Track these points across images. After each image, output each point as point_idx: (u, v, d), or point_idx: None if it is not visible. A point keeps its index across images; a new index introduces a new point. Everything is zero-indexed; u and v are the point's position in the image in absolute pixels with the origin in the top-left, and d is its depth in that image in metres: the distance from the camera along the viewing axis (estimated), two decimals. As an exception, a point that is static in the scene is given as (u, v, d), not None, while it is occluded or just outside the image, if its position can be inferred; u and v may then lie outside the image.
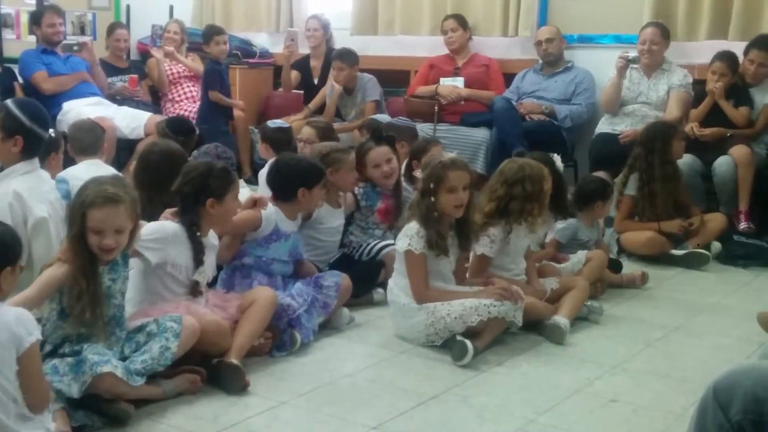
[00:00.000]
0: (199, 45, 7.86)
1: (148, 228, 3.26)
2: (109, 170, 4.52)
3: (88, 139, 4.63)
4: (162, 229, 3.31)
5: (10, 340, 2.38)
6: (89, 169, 4.20)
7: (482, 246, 3.94)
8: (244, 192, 3.96)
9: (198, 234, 3.38)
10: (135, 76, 7.40)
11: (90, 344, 2.90)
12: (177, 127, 5.00)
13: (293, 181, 3.92)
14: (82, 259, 2.91)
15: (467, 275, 3.94)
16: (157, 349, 3.00)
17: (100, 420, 2.83)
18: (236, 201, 3.52)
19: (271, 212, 3.84)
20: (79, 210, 2.92)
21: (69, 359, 2.87)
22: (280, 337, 3.54)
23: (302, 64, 7.36)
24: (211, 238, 3.51)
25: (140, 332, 3.08)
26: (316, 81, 7.29)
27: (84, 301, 2.89)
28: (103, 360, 2.84)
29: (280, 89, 7.65)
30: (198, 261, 3.37)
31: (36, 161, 3.85)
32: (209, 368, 3.20)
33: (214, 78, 6.99)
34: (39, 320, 2.78)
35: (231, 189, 3.44)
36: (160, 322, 3.07)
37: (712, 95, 5.89)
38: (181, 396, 3.08)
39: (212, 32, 7.09)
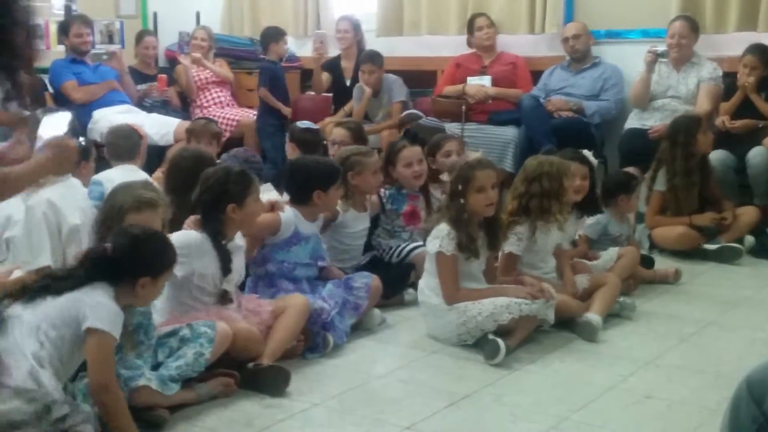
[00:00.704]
0: (226, 50, 7.93)
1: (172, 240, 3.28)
2: (144, 176, 4.58)
3: (126, 144, 4.71)
4: (186, 241, 3.29)
5: (73, 314, 2.60)
6: (124, 174, 4.25)
7: (509, 244, 3.94)
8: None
9: (223, 242, 3.37)
10: (164, 75, 7.45)
11: (121, 357, 2.90)
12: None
13: (308, 183, 3.90)
14: None
15: (497, 274, 3.94)
16: (192, 355, 3.02)
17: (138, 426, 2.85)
18: (258, 203, 3.51)
19: (290, 215, 3.83)
20: (118, 214, 2.95)
21: None
22: (312, 340, 3.55)
23: (333, 66, 7.37)
24: (237, 240, 3.52)
25: (173, 337, 3.10)
26: (348, 82, 7.29)
27: None
28: (137, 374, 2.88)
29: (309, 92, 7.66)
30: (226, 270, 3.37)
31: None
32: (244, 373, 3.22)
33: (265, 76, 7.08)
34: None
35: (251, 192, 3.42)
36: (194, 327, 3.09)
37: (743, 89, 5.82)
38: (215, 399, 3.10)
39: (274, 32, 7.21)
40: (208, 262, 3.34)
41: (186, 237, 3.33)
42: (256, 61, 7.80)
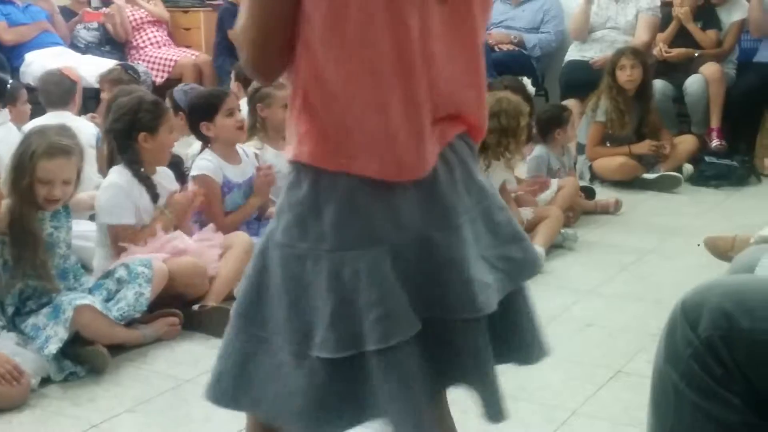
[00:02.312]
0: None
1: (105, 194, 3.24)
2: (79, 121, 4.48)
3: (58, 91, 4.60)
4: (116, 187, 3.28)
5: None
6: (57, 121, 4.14)
7: None
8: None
9: (142, 170, 3.35)
10: (90, 10, 7.26)
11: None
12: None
13: (194, 117, 3.85)
14: (26, 207, 2.90)
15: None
16: (132, 295, 3.00)
17: (83, 368, 2.84)
18: (171, 134, 3.45)
19: (209, 164, 3.74)
20: (30, 160, 2.89)
21: (44, 310, 2.87)
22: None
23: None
24: (163, 173, 3.49)
25: (109, 278, 3.09)
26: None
27: (29, 248, 2.88)
28: (79, 296, 2.88)
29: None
30: (154, 196, 3.35)
31: (6, 112, 3.81)
32: (188, 314, 3.21)
33: (228, 16, 6.90)
34: None
35: (163, 121, 3.37)
36: (130, 267, 3.07)
37: (677, 19, 5.86)
38: (161, 341, 3.09)
39: None
40: (137, 194, 3.31)
41: (111, 184, 3.31)
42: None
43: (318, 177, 1.44)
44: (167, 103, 4.30)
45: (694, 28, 5.83)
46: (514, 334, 1.60)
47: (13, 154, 2.97)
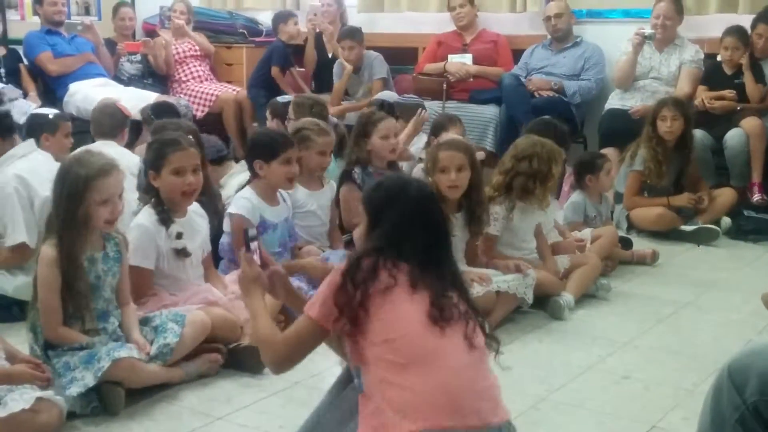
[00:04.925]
0: (204, 24, 7.83)
1: (131, 233, 3.25)
2: (125, 153, 4.54)
3: (110, 122, 4.70)
4: (141, 228, 3.31)
5: None
6: (103, 150, 4.21)
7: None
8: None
9: (163, 211, 3.35)
10: (132, 42, 7.40)
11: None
12: (161, 112, 5.03)
13: (251, 152, 3.87)
14: (78, 247, 2.91)
15: (479, 256, 3.94)
16: (155, 348, 3.01)
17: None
18: (175, 176, 3.35)
19: (248, 204, 3.76)
20: (84, 184, 2.89)
21: (81, 353, 2.88)
22: (292, 319, 3.52)
23: (315, 41, 7.32)
24: (194, 215, 3.50)
25: (147, 325, 3.10)
26: (330, 55, 7.23)
27: (74, 293, 2.91)
28: (118, 347, 2.88)
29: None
30: (165, 223, 3.34)
31: (32, 143, 3.87)
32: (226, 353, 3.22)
33: (279, 55, 7.08)
34: None
35: (167, 163, 3.33)
36: (163, 320, 3.09)
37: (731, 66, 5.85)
38: (200, 378, 3.10)
39: (284, 14, 7.33)
40: (162, 237, 3.34)
41: (138, 225, 3.33)
42: (235, 35, 7.74)
43: None
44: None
45: (749, 78, 5.79)
46: None
47: (56, 189, 2.96)
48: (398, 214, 2.17)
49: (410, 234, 2.15)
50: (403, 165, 4.82)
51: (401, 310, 2.07)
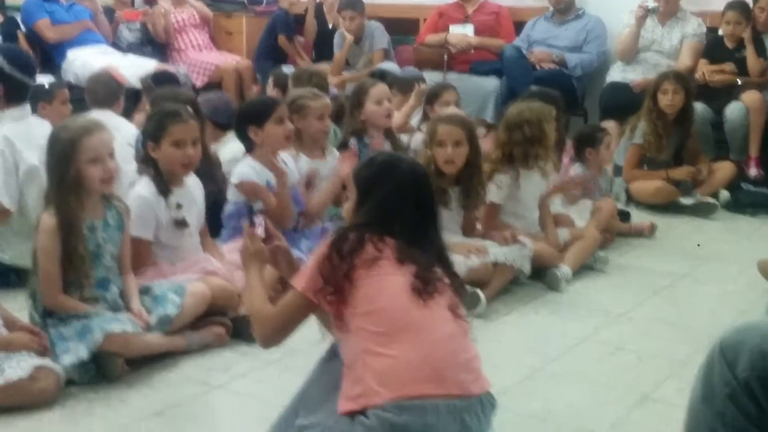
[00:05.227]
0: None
1: (131, 203, 3.24)
2: (121, 122, 4.53)
3: (104, 91, 4.68)
4: (140, 198, 3.30)
5: None
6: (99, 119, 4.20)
7: (490, 194, 3.94)
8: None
9: (153, 172, 3.35)
10: (131, 10, 7.37)
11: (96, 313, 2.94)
12: (162, 81, 5.01)
13: (243, 121, 3.85)
14: (75, 215, 2.91)
15: (480, 226, 3.95)
16: (155, 318, 3.03)
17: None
18: (175, 148, 3.35)
19: (247, 170, 3.76)
20: (71, 147, 2.88)
21: (76, 323, 2.89)
22: (291, 290, 3.55)
23: (316, 12, 7.28)
24: (191, 186, 3.49)
25: (147, 294, 3.12)
26: (330, 26, 7.20)
27: (74, 262, 2.91)
28: (112, 319, 2.89)
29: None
30: (163, 191, 3.34)
31: (27, 108, 3.86)
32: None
33: (283, 23, 7.08)
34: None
35: (166, 134, 3.33)
36: (164, 290, 3.10)
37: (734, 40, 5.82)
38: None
39: None
40: (161, 207, 3.34)
41: (138, 196, 3.32)
42: (234, 3, 7.70)
43: None
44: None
45: (751, 51, 5.77)
46: None
47: (48, 160, 2.97)
48: (388, 191, 2.20)
49: (399, 211, 2.19)
50: (406, 138, 4.81)
51: (385, 281, 2.10)
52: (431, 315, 2.09)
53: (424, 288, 2.10)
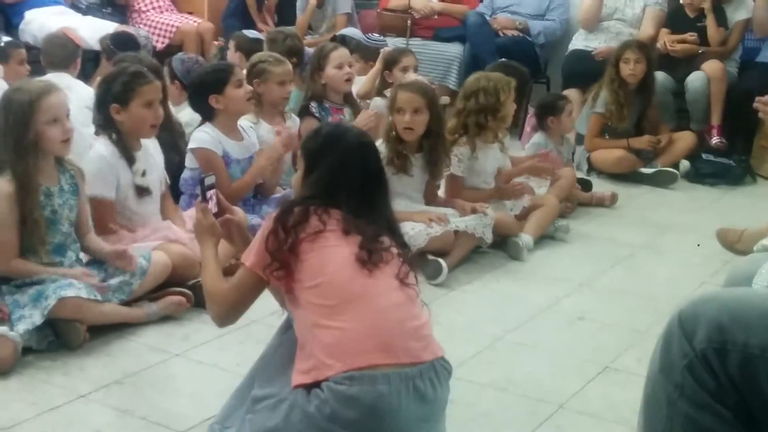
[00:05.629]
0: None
1: (89, 165, 3.18)
2: (77, 84, 4.46)
3: (61, 53, 4.60)
4: (100, 159, 3.25)
5: None
6: (58, 83, 4.12)
7: (451, 166, 3.93)
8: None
9: (121, 143, 3.29)
10: None
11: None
12: (122, 43, 4.91)
13: (201, 90, 3.78)
14: (32, 180, 2.85)
15: (445, 197, 3.95)
16: (117, 282, 3.00)
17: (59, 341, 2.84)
18: (146, 109, 3.30)
19: (207, 138, 3.71)
20: (29, 108, 2.83)
21: (30, 290, 2.84)
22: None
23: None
24: (149, 148, 3.44)
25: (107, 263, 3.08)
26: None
27: (29, 228, 2.86)
28: (65, 285, 2.84)
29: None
30: (129, 159, 3.29)
31: None
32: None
33: None
34: None
35: (135, 95, 3.27)
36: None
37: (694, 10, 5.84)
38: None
39: None
40: (121, 168, 3.29)
41: (96, 155, 3.27)
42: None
43: None
44: (165, 71, 4.27)
45: (711, 21, 5.79)
46: None
47: (3, 121, 2.86)
48: (334, 161, 2.18)
49: (345, 182, 2.17)
50: (368, 103, 4.78)
51: (330, 254, 2.09)
52: (376, 284, 2.08)
53: (368, 258, 2.08)
